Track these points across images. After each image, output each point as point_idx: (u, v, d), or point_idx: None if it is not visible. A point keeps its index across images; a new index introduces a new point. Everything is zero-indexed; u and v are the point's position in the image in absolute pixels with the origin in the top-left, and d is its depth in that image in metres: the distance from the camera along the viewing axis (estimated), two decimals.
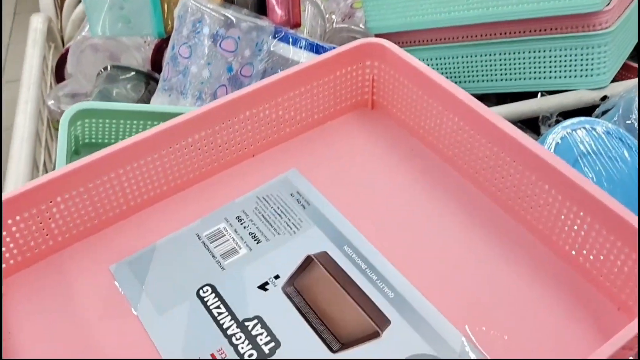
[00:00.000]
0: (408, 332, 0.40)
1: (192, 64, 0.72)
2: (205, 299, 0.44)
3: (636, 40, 0.78)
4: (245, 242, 0.47)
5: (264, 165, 0.53)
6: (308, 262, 0.45)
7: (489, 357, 0.39)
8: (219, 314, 0.43)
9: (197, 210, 0.50)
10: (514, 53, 0.73)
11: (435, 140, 0.52)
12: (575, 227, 0.43)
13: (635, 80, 0.73)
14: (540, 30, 0.70)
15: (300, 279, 0.44)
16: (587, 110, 0.71)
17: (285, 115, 0.54)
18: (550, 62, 0.71)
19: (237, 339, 0.41)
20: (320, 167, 0.53)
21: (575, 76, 0.71)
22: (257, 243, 0.47)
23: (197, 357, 0.40)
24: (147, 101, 0.79)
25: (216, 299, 0.43)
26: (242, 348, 0.41)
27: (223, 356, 0.40)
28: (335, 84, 0.55)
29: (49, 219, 0.46)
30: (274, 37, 0.74)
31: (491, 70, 0.76)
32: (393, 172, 0.52)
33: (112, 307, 0.44)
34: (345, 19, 0.93)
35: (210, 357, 0.40)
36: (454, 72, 0.78)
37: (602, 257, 0.41)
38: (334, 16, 0.97)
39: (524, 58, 0.73)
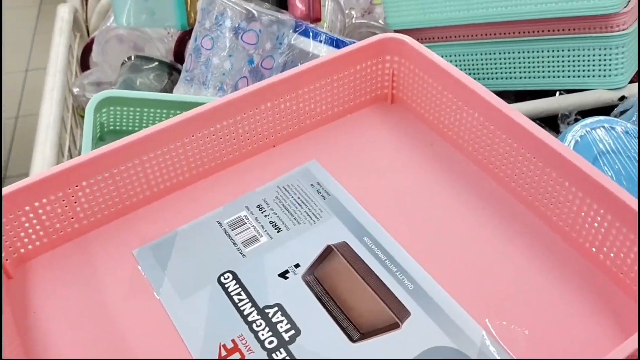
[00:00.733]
0: (428, 324, 0.41)
1: (214, 56, 0.73)
2: (226, 285, 0.44)
3: None
4: (265, 231, 0.48)
5: (284, 155, 0.54)
6: (328, 251, 0.46)
7: (509, 351, 0.39)
8: (240, 300, 0.43)
9: (219, 198, 0.50)
10: (533, 52, 0.73)
11: (455, 136, 0.53)
12: (596, 225, 0.43)
13: None
14: (559, 30, 0.70)
15: (321, 268, 0.45)
16: (605, 110, 0.71)
17: (305, 107, 0.55)
18: (569, 61, 0.71)
19: (257, 326, 0.42)
20: (340, 159, 0.53)
21: (593, 76, 0.71)
22: (278, 232, 0.48)
23: (219, 343, 0.41)
24: (170, 91, 0.80)
25: (237, 285, 0.44)
26: (263, 335, 0.41)
27: (244, 342, 0.41)
28: (355, 77, 0.56)
29: (75, 202, 0.47)
30: (295, 31, 0.75)
31: (510, 67, 0.76)
32: (413, 166, 0.52)
33: (135, 290, 0.44)
34: (365, 14, 0.93)
35: (231, 344, 0.41)
36: (473, 69, 0.79)
37: (622, 255, 0.42)
38: (353, 12, 0.97)
39: (542, 57, 0.73)
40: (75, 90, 0.90)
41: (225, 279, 0.45)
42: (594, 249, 0.44)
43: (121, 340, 0.41)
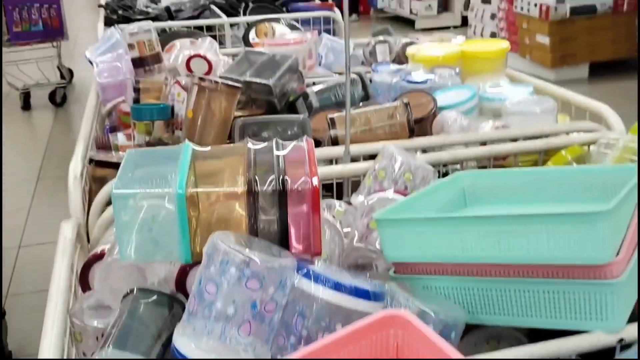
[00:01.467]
0: None
1: (217, 300, 0.74)
2: None
3: None
4: None
5: None
6: None
7: None
8: None
9: None
10: (529, 291, 0.75)
11: None
12: None
13: None
14: (553, 274, 0.73)
15: None
16: (607, 353, 0.72)
17: None
18: (564, 303, 0.73)
19: None
20: None
21: (590, 319, 0.72)
22: None
23: None
24: (171, 325, 0.80)
25: None
26: None
27: None
28: (361, 353, 0.57)
29: None
30: (297, 272, 0.77)
31: (506, 305, 0.78)
32: None
33: None
34: (362, 238, 0.97)
35: None
36: (470, 303, 0.80)
37: None
38: (350, 230, 1.01)
39: (538, 297, 0.75)
40: (74, 319, 0.91)
41: None
42: None
43: None
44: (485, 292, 0.79)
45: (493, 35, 5.64)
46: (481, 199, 1.01)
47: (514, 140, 1.37)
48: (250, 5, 3.29)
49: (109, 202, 1.20)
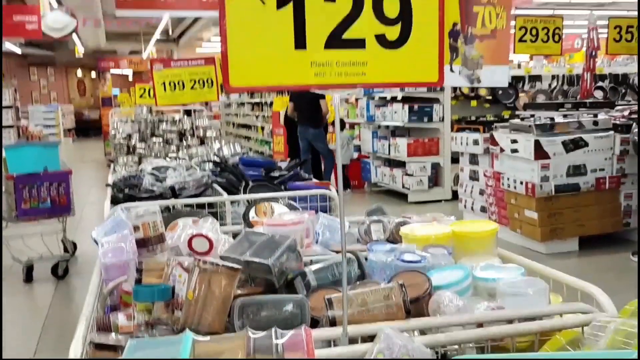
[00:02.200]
0: None
1: None
2: None
3: None
4: None
5: None
6: None
7: None
8: None
9: None
10: None
11: None
12: None
13: None
14: None
15: None
16: None
17: None
18: None
19: None
20: None
21: None
22: None
23: None
24: None
25: None
26: None
27: None
28: None
29: None
30: None
31: None
32: None
33: None
34: None
35: None
36: None
37: None
38: None
39: None
40: None
41: None
42: None
43: None
44: None
45: (483, 209, 5.85)
46: None
47: (510, 321, 1.39)
48: (250, 183, 3.47)
49: None
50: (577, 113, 5.54)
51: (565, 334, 1.22)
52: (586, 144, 5.04)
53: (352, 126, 9.62)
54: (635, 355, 0.86)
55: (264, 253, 1.76)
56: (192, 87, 4.82)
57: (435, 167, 7.56)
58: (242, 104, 15.18)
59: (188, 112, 7.19)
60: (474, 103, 7.72)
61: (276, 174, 3.68)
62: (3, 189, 4.48)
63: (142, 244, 1.88)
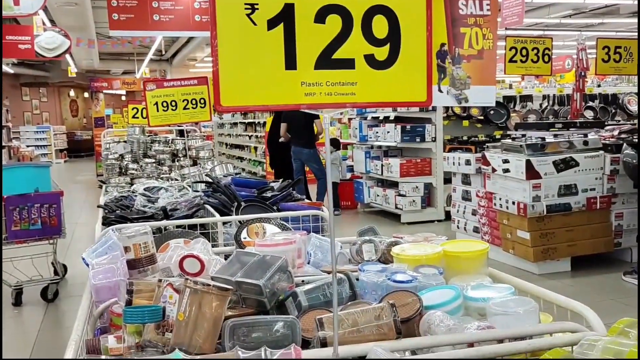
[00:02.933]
0: None
1: None
2: None
3: None
4: None
5: None
6: None
7: None
8: None
9: None
10: None
11: None
12: None
13: None
14: None
15: None
16: None
17: None
18: None
19: None
20: None
21: None
22: None
23: None
24: None
25: None
26: None
27: None
28: None
29: None
30: None
31: None
32: None
33: None
34: None
35: None
36: None
37: None
38: None
39: None
40: None
41: None
42: None
43: None
44: None
45: (476, 229, 5.85)
46: None
47: (500, 341, 1.39)
48: (243, 204, 3.46)
49: None
50: (568, 133, 5.58)
51: (554, 352, 1.22)
52: (577, 164, 5.08)
53: (344, 146, 9.66)
54: None
55: (255, 274, 1.75)
56: (184, 107, 4.82)
57: (428, 187, 7.58)
58: (235, 124, 15.23)
59: (181, 133, 7.20)
60: (465, 123, 7.77)
61: (269, 194, 3.67)
62: None
63: (133, 265, 1.87)
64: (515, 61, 6.45)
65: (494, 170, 5.39)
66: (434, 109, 7.42)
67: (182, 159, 6.67)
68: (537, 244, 4.97)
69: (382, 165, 7.89)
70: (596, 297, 4.40)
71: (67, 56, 11.49)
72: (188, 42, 15.02)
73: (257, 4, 1.37)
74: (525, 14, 7.36)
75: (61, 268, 5.11)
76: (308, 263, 2.28)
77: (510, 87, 8.63)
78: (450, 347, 1.40)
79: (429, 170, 7.58)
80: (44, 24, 8.42)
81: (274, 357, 0.90)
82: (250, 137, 13.70)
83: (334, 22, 1.40)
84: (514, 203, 5.11)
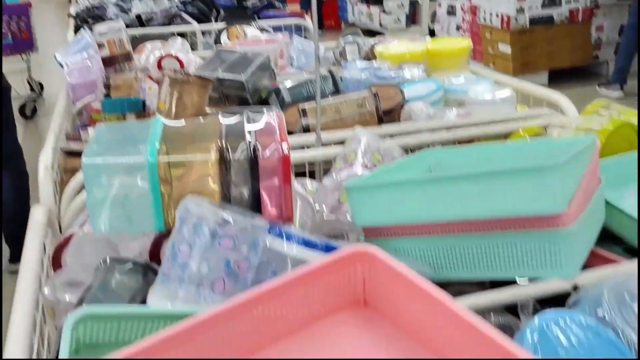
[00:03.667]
0: None
1: (191, 260, 0.76)
2: None
3: (598, 231, 0.86)
4: None
5: None
6: None
7: None
8: None
9: None
10: (489, 246, 0.79)
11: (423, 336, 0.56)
12: None
13: (602, 269, 0.80)
14: (510, 227, 0.77)
15: None
16: (562, 297, 0.76)
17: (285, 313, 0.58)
18: (522, 254, 0.78)
19: None
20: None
21: (545, 267, 0.76)
22: None
23: None
24: (145, 291, 0.82)
25: None
26: None
27: None
28: (330, 286, 0.60)
29: None
30: (269, 233, 0.80)
31: (469, 259, 0.81)
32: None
33: None
34: (334, 211, 1.00)
35: None
36: (436, 261, 0.84)
37: None
38: (323, 206, 1.04)
39: (498, 250, 0.79)
40: (47, 292, 0.91)
41: None
42: None
43: None
44: (450, 249, 0.82)
45: None
46: None
47: (477, 126, 1.42)
48: (222, 13, 3.33)
49: (80, 190, 1.21)
50: None
51: (529, 130, 1.26)
52: None
53: None
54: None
55: (237, 70, 1.72)
56: None
57: (414, 4, 7.31)
58: None
59: None
60: None
61: (249, 3, 3.52)
62: None
63: (108, 62, 1.83)
64: None
65: None
66: None
67: None
68: (517, 58, 4.96)
69: None
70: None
71: None
72: None
73: None
74: None
75: (37, 85, 5.02)
76: (291, 66, 2.25)
77: None
78: (429, 132, 1.43)
79: None
80: None
81: (257, 122, 0.90)
82: None
83: None
84: (497, 16, 5.00)
